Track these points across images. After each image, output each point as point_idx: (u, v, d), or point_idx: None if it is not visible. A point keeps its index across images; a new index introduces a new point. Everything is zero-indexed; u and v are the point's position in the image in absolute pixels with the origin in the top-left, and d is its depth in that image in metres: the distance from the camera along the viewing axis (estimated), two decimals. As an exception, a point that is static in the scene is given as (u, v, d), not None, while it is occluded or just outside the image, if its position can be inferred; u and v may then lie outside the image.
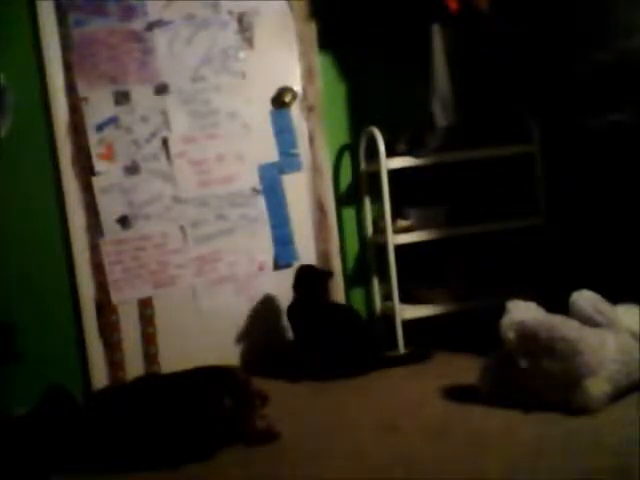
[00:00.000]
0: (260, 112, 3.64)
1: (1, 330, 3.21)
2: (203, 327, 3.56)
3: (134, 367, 3.45)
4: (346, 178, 3.79)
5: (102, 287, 3.45)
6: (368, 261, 3.78)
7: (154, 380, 2.92)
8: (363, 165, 3.73)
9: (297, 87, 3.67)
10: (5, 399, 3.13)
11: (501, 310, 2.74)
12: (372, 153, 3.58)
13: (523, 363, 2.60)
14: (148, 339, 3.51)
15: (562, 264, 3.61)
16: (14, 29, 3.28)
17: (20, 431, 2.65)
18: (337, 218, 3.77)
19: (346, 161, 3.78)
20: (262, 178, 3.65)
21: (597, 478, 2.01)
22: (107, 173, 3.45)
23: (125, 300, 3.48)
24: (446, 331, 3.59)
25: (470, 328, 3.45)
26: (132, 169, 3.48)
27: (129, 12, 3.45)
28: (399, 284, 3.49)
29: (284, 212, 3.69)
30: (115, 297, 3.45)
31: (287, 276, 3.62)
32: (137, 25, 3.46)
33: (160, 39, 3.49)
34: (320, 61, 3.69)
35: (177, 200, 3.53)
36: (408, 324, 3.52)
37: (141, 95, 3.48)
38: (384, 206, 3.46)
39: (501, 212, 3.69)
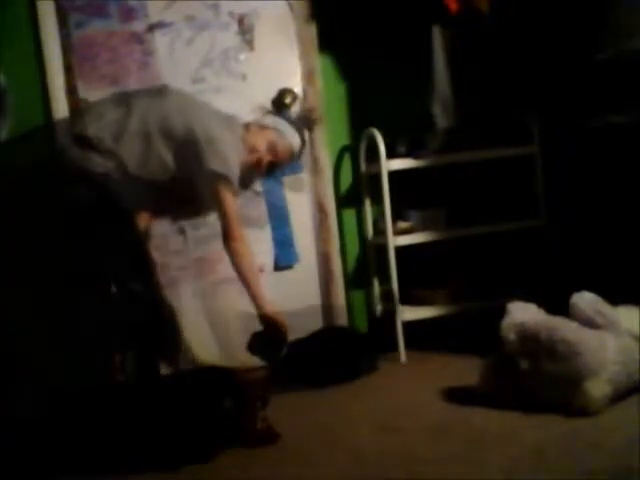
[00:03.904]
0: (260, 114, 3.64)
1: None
2: (203, 328, 3.55)
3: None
4: (346, 180, 3.79)
5: (102, 288, 3.44)
6: (368, 262, 3.78)
7: (155, 381, 2.91)
8: (363, 167, 3.73)
9: (297, 89, 3.67)
10: (6, 399, 3.12)
11: (501, 311, 2.74)
12: (372, 155, 3.58)
13: (523, 364, 2.60)
14: (148, 340, 3.50)
15: (562, 266, 3.61)
16: (15, 30, 3.28)
17: (21, 431, 2.65)
18: (337, 219, 3.77)
19: (346, 162, 3.78)
20: (262, 179, 3.64)
21: (597, 479, 2.01)
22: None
23: (125, 301, 3.47)
24: (446, 332, 3.58)
25: (470, 329, 3.45)
26: (132, 170, 3.47)
27: (130, 14, 3.45)
28: (399, 285, 3.49)
29: (284, 213, 3.69)
30: (115, 298, 3.45)
31: (287, 278, 3.64)
32: (138, 27, 3.46)
33: (160, 41, 3.49)
34: (320, 62, 3.69)
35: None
36: (408, 325, 3.52)
37: (141, 96, 3.48)
38: (384, 208, 3.46)
39: (501, 214, 3.69)
